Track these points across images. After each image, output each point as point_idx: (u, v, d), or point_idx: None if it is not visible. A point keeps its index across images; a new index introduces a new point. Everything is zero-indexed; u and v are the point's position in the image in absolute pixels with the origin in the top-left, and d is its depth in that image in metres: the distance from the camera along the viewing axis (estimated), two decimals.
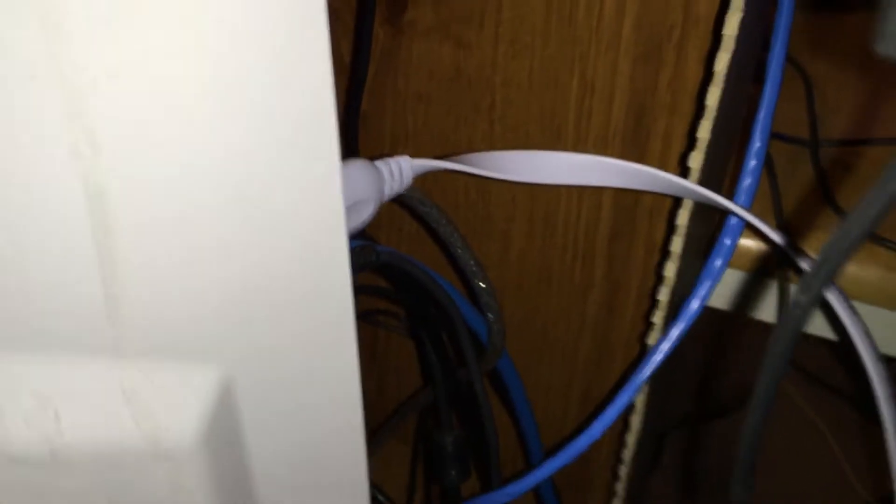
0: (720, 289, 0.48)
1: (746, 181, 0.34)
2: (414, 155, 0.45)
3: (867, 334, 0.32)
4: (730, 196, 0.35)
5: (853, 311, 0.33)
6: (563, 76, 0.40)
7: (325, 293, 0.22)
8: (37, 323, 0.18)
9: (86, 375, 0.19)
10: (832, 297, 0.33)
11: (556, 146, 0.42)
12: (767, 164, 0.56)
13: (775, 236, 0.35)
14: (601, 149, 0.41)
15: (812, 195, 0.55)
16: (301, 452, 0.27)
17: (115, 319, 0.18)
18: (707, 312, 0.40)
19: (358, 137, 0.45)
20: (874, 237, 0.49)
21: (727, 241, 0.35)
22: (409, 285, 0.39)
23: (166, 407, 0.20)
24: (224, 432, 0.22)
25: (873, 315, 0.51)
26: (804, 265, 0.36)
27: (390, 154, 0.45)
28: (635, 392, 0.34)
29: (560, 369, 0.50)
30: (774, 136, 0.58)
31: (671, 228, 0.38)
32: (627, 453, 0.43)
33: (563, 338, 0.49)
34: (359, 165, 0.30)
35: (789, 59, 0.66)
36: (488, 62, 0.41)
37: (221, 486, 0.24)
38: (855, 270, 0.49)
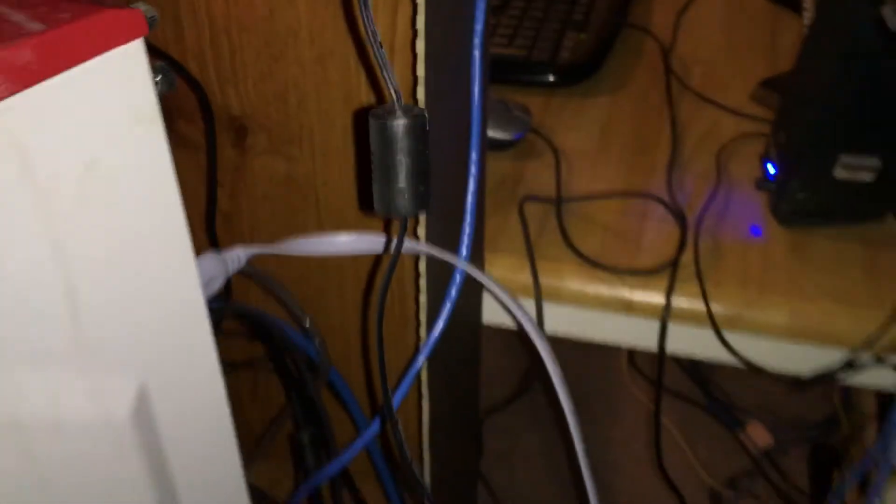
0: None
1: (464, 239, 0.52)
2: (268, 238, 0.62)
3: (532, 321, 0.51)
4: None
5: (517, 305, 0.52)
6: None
7: (191, 337, 0.41)
8: (34, 346, 0.36)
9: (63, 374, 0.36)
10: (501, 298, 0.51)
11: (369, 223, 0.60)
12: (521, 219, 0.75)
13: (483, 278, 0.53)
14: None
15: (557, 239, 0.75)
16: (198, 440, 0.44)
17: (80, 344, 0.36)
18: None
19: (215, 232, 0.62)
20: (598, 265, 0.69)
21: (456, 277, 0.53)
22: (260, 328, 0.56)
23: (109, 393, 0.37)
24: (143, 414, 0.40)
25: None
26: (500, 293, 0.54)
27: (250, 240, 0.62)
28: (408, 384, 0.52)
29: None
30: (530, 198, 0.78)
31: (417, 272, 0.56)
32: (425, 417, 0.59)
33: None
34: (209, 257, 0.48)
35: (540, 134, 0.86)
36: (311, 170, 0.57)
37: (148, 454, 0.41)
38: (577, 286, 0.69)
